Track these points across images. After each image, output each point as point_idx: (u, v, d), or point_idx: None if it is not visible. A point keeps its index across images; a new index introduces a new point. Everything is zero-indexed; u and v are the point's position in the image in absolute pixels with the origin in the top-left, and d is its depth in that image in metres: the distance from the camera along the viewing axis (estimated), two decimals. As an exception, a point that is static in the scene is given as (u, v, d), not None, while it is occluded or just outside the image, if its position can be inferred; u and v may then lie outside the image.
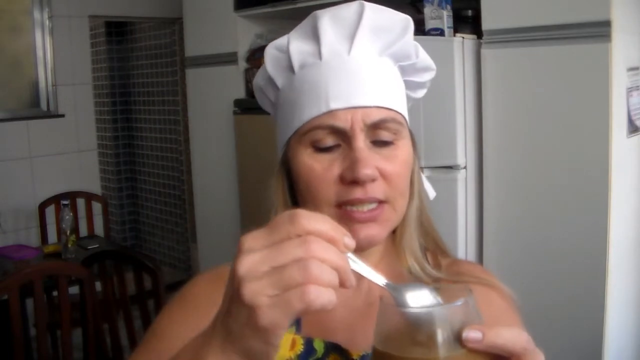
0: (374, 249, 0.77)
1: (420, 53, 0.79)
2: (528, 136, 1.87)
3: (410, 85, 0.82)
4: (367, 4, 0.75)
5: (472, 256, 2.01)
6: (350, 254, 0.50)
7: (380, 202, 0.72)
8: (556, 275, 1.82)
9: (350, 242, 0.48)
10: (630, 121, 1.82)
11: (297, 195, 0.77)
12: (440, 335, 0.49)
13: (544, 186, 1.85)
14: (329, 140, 0.72)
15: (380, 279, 0.52)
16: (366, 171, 0.69)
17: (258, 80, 0.83)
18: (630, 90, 1.80)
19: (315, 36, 0.75)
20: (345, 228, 0.69)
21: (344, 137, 0.71)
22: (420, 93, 0.85)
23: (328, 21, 0.74)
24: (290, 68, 0.76)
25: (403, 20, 0.76)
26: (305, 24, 0.77)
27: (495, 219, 1.98)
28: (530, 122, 1.86)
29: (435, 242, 0.84)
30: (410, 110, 0.86)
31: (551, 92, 1.81)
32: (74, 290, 2.47)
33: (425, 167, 1.97)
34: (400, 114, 0.75)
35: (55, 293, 2.57)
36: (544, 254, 1.86)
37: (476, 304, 0.51)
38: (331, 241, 0.47)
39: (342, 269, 0.46)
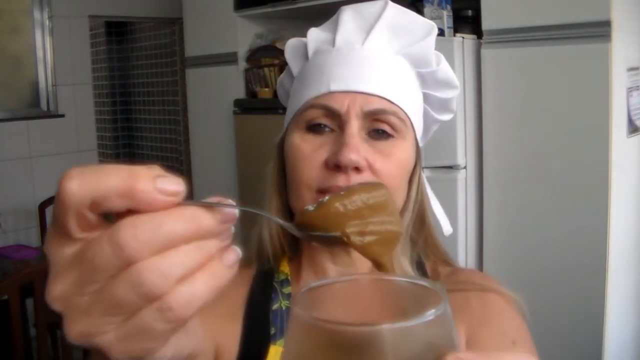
0: (362, 258, 0.75)
1: (442, 63, 0.76)
2: (528, 136, 1.87)
3: (432, 102, 0.78)
4: (392, 3, 0.74)
5: (472, 257, 2.01)
6: (202, 202, 0.30)
7: None
8: (556, 275, 1.82)
9: (175, 187, 0.30)
10: (630, 121, 1.82)
11: (286, 178, 0.74)
12: None
13: (544, 186, 1.85)
14: (323, 120, 0.70)
15: (272, 216, 0.40)
16: (351, 156, 0.65)
17: (281, 75, 0.84)
18: (630, 90, 1.80)
19: (334, 27, 0.75)
20: None
21: (339, 121, 0.69)
22: (445, 115, 0.82)
23: (350, 14, 0.75)
24: (305, 55, 0.76)
25: (426, 25, 0.74)
26: (333, 18, 0.77)
27: (495, 219, 1.97)
28: (530, 122, 1.86)
29: (438, 254, 0.82)
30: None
31: (551, 92, 1.81)
32: (74, 290, 2.47)
33: (425, 167, 1.97)
34: (405, 112, 0.71)
35: (55, 293, 2.56)
36: (544, 254, 1.85)
37: (451, 313, 0.32)
38: (133, 194, 0.29)
39: (195, 236, 0.30)
